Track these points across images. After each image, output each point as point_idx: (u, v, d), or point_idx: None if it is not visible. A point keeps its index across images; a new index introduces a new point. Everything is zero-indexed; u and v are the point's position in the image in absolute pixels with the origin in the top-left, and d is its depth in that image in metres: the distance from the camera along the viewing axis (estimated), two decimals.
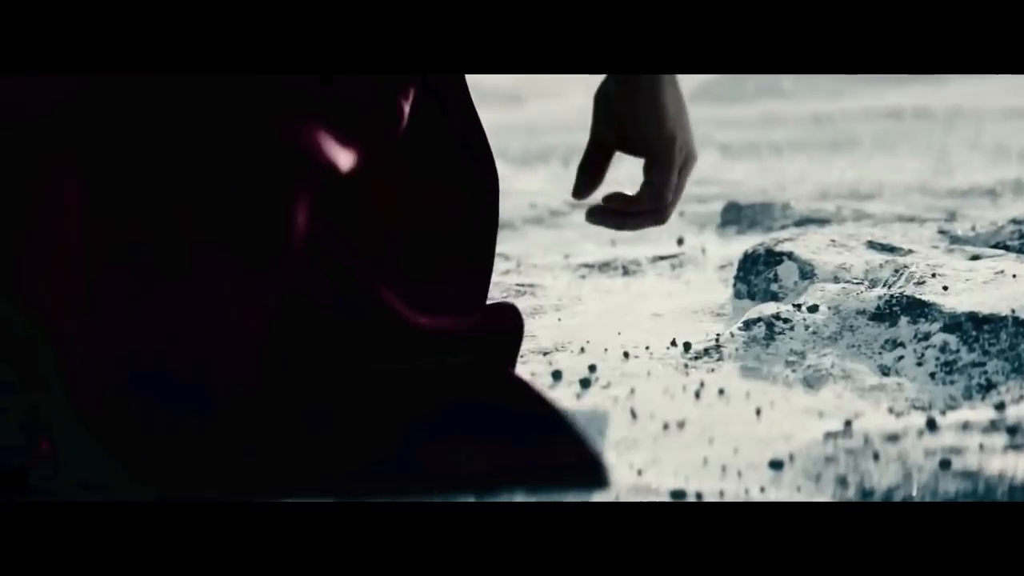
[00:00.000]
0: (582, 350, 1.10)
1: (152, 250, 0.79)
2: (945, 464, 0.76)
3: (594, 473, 0.77)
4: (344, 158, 0.87)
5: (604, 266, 1.58)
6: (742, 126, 3.86)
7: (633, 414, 0.90)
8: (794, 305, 1.12)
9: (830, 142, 3.42)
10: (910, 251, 1.36)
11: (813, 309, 1.11)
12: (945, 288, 1.10)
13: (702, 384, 0.97)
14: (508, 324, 0.96)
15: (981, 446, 0.79)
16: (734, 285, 1.30)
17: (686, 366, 1.02)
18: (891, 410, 0.91)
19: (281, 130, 0.85)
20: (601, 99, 1.09)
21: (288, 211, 0.83)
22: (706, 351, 1.06)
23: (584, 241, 1.85)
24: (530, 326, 1.22)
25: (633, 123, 1.05)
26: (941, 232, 1.54)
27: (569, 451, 0.79)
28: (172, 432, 0.76)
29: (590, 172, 1.09)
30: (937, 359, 1.00)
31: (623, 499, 0.74)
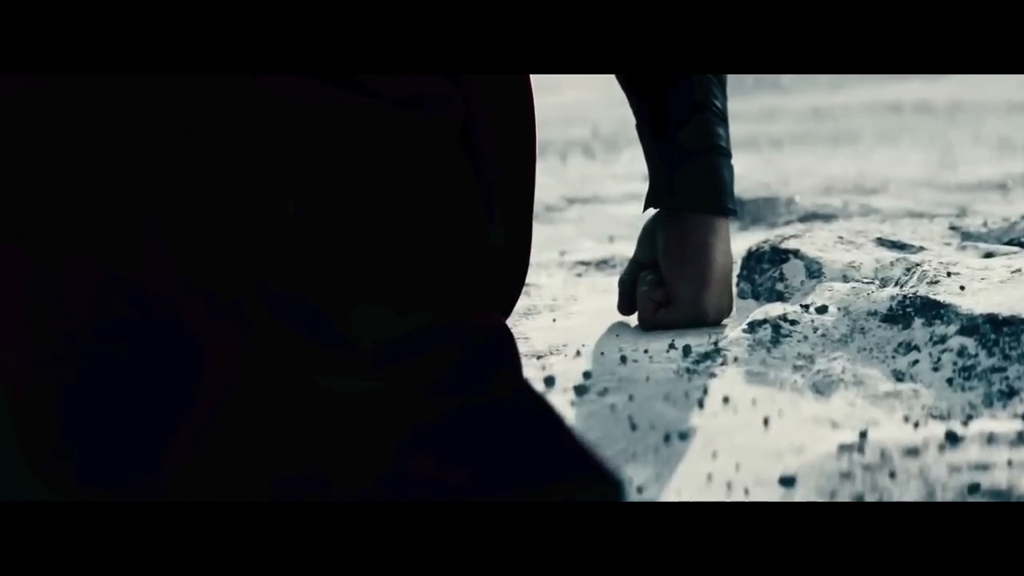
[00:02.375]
0: (577, 353, 1.04)
1: (109, 298, 0.73)
2: (974, 488, 0.69)
3: (612, 488, 0.71)
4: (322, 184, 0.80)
5: (602, 264, 1.52)
6: (741, 120, 3.80)
7: (632, 424, 0.84)
8: (801, 306, 1.06)
9: (831, 136, 3.37)
10: (921, 248, 1.30)
11: (822, 310, 1.05)
12: (962, 288, 1.04)
13: (705, 391, 0.91)
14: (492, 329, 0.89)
15: (1010, 462, 0.73)
16: (737, 284, 1.24)
17: (688, 371, 0.96)
18: (907, 419, 0.85)
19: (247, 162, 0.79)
20: (648, 236, 1.13)
21: (253, 254, 0.77)
22: (708, 355, 0.99)
23: (581, 238, 1.78)
24: (523, 327, 1.16)
25: (675, 281, 1.08)
26: (952, 228, 1.48)
27: (583, 466, 0.73)
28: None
29: (630, 290, 1.13)
30: (954, 364, 0.94)
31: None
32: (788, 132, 3.54)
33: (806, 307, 1.06)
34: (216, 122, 0.80)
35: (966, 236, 1.43)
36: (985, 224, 1.50)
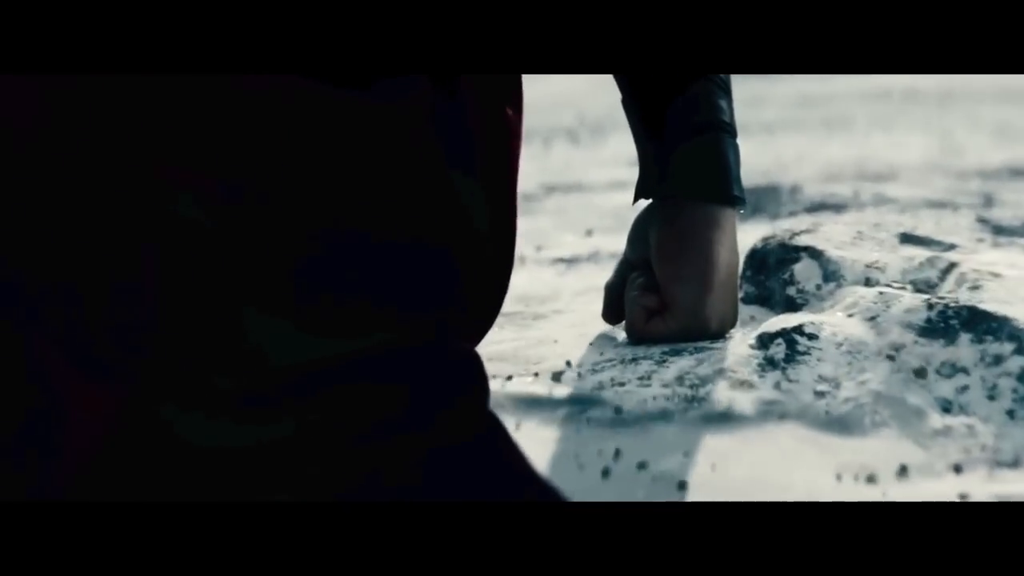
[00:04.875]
0: (548, 374, 0.86)
1: None
2: None
3: None
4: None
5: (584, 262, 1.34)
6: None
7: (616, 471, 0.66)
8: (821, 318, 0.88)
9: (823, 122, 3.21)
10: (952, 245, 1.13)
11: (844, 321, 0.87)
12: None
13: (706, 424, 0.73)
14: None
15: None
16: (740, 287, 1.06)
17: (686, 399, 0.78)
18: (964, 467, 0.67)
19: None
20: (639, 231, 0.95)
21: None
22: (707, 378, 0.81)
23: (560, 231, 1.60)
24: (487, 339, 0.98)
25: (671, 284, 0.90)
26: (981, 221, 1.30)
27: None
28: None
29: (619, 296, 0.96)
30: (1015, 392, 0.77)
31: None
32: (778, 118, 3.38)
33: (823, 321, 0.88)
34: (92, 114, 0.64)
35: (998, 230, 1.26)
36: (1016, 216, 1.33)
